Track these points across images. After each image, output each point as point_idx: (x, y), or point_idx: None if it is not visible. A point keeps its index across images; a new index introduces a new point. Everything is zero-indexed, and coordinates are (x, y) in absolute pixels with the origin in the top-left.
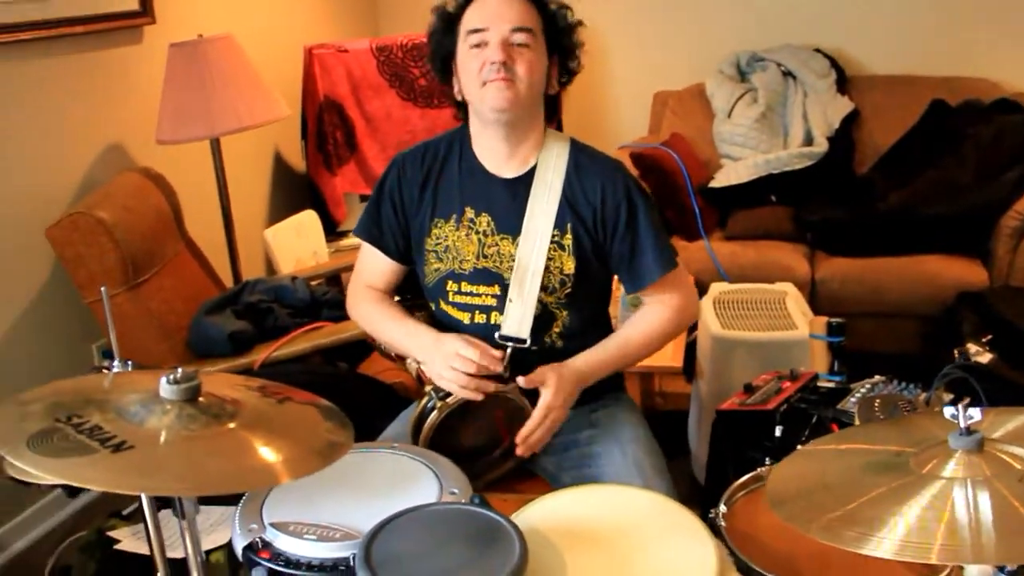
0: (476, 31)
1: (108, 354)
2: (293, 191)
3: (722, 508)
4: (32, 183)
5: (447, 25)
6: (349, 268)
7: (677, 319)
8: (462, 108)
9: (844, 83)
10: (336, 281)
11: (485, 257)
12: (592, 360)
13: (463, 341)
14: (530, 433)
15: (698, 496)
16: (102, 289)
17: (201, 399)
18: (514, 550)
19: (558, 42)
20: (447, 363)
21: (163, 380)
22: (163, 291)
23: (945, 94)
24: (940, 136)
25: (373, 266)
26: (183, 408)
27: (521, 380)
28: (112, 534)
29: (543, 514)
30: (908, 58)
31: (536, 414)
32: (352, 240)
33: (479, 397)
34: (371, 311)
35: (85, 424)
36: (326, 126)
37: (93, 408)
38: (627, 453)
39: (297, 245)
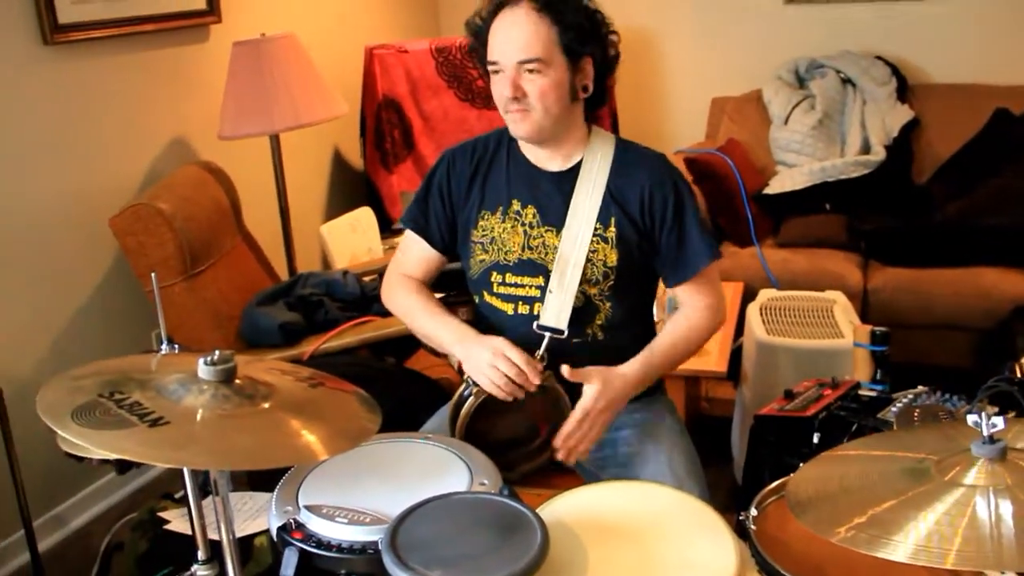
0: (492, 63)
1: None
2: (350, 188)
3: (752, 512)
4: (100, 175)
5: (479, 42)
6: None
7: (713, 318)
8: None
9: (904, 91)
10: None
11: (530, 249)
12: (641, 366)
13: (510, 344)
14: (568, 436)
15: (738, 501)
16: (152, 275)
17: (237, 381)
18: (535, 540)
19: (583, 46)
20: (490, 361)
21: (201, 361)
22: (219, 281)
23: (1009, 103)
24: (1003, 146)
25: (414, 255)
26: (219, 388)
27: (565, 369)
28: (163, 515)
29: (568, 507)
30: (971, 66)
31: (575, 415)
32: None
33: (508, 398)
34: (408, 300)
35: (126, 400)
36: (384, 125)
37: (135, 385)
38: (663, 455)
39: (352, 241)
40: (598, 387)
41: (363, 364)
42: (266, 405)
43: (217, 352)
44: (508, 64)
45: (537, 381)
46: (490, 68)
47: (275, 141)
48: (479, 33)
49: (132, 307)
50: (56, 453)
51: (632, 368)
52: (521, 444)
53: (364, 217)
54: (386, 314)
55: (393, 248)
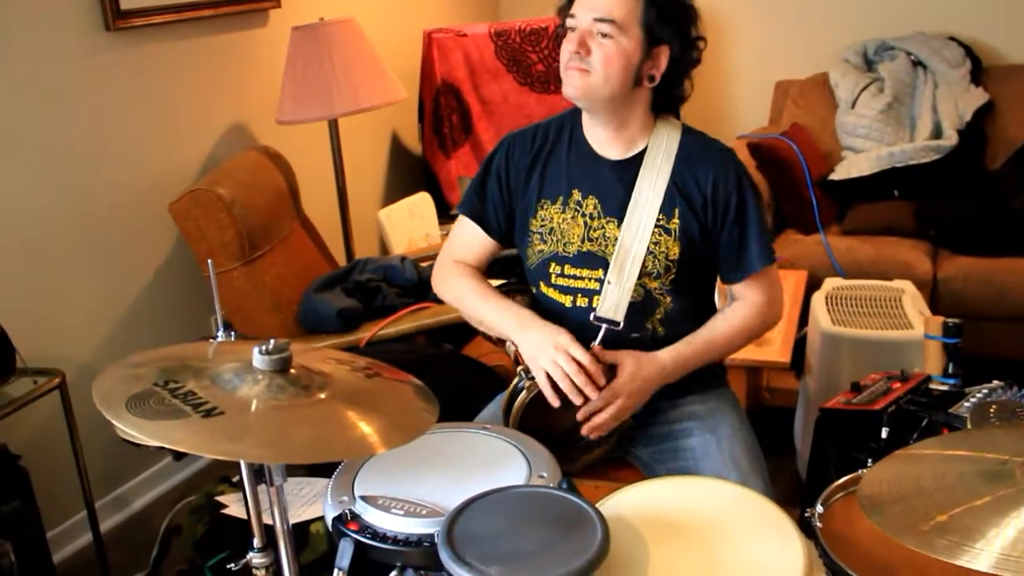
0: (569, 14)
1: (226, 326)
2: (408, 173)
3: (819, 508)
4: (160, 161)
5: (565, 4)
6: None
7: (764, 317)
8: None
9: (979, 73)
10: None
11: (590, 240)
12: (677, 354)
13: (576, 341)
14: (593, 411)
15: (801, 495)
16: (209, 262)
17: (292, 370)
18: (596, 537)
19: (662, 30)
20: (553, 355)
21: (255, 351)
22: (277, 266)
23: None
24: None
25: (468, 242)
26: (273, 378)
27: (596, 348)
28: (220, 499)
29: (630, 502)
30: None
31: (602, 394)
32: None
33: (556, 402)
34: (463, 285)
35: (180, 389)
36: (442, 109)
37: (190, 374)
38: (724, 448)
39: (410, 226)
40: (630, 369)
41: (419, 351)
42: (322, 396)
43: (272, 341)
44: (583, 19)
45: (602, 384)
46: (567, 23)
47: (333, 126)
48: None
49: (192, 291)
50: (117, 435)
51: (667, 355)
52: (578, 436)
53: (422, 202)
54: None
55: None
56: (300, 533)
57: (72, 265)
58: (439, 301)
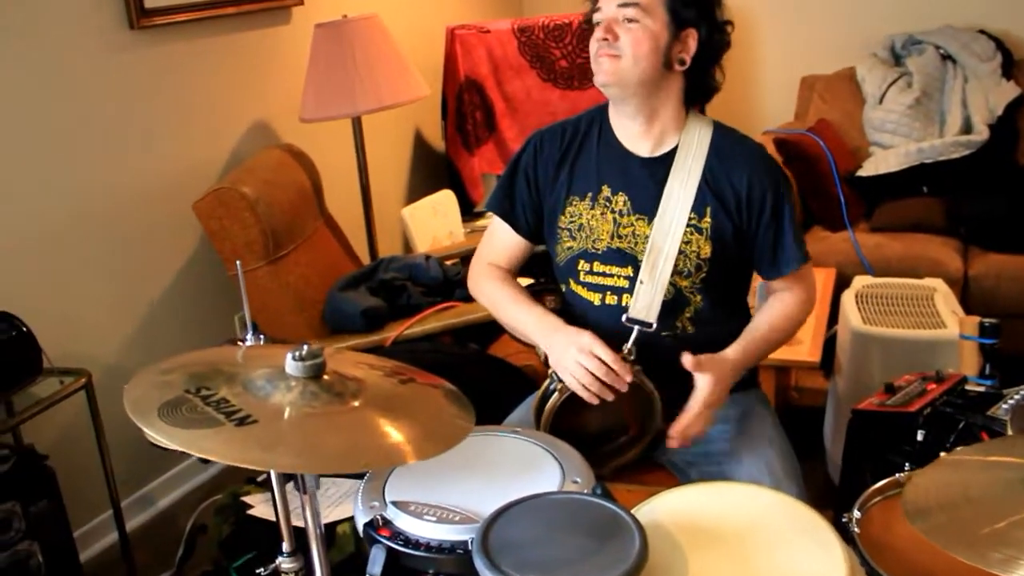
0: (595, 8)
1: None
2: (431, 170)
3: (856, 513)
4: (183, 159)
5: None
6: None
7: (803, 310)
8: None
9: (1010, 67)
10: (470, 261)
11: (620, 237)
12: (743, 350)
13: (599, 341)
14: (687, 426)
15: (831, 498)
16: (237, 264)
17: (325, 376)
18: (634, 545)
19: (687, 11)
20: (577, 357)
21: (288, 356)
22: (301, 266)
23: None
24: None
25: (499, 242)
26: (307, 385)
27: (688, 360)
28: (246, 499)
29: (666, 509)
30: None
31: (694, 405)
32: (488, 220)
33: (594, 400)
34: (494, 290)
35: (213, 396)
36: (466, 106)
37: (222, 381)
38: (759, 454)
39: (434, 224)
40: (716, 375)
41: (446, 351)
42: (355, 403)
43: (305, 347)
44: (608, 8)
45: (629, 379)
46: (594, 19)
47: (357, 123)
48: None
49: (215, 290)
50: (142, 435)
51: (734, 352)
52: (610, 439)
53: (445, 200)
54: (469, 299)
55: (475, 231)
56: (327, 534)
57: (97, 264)
58: (465, 300)
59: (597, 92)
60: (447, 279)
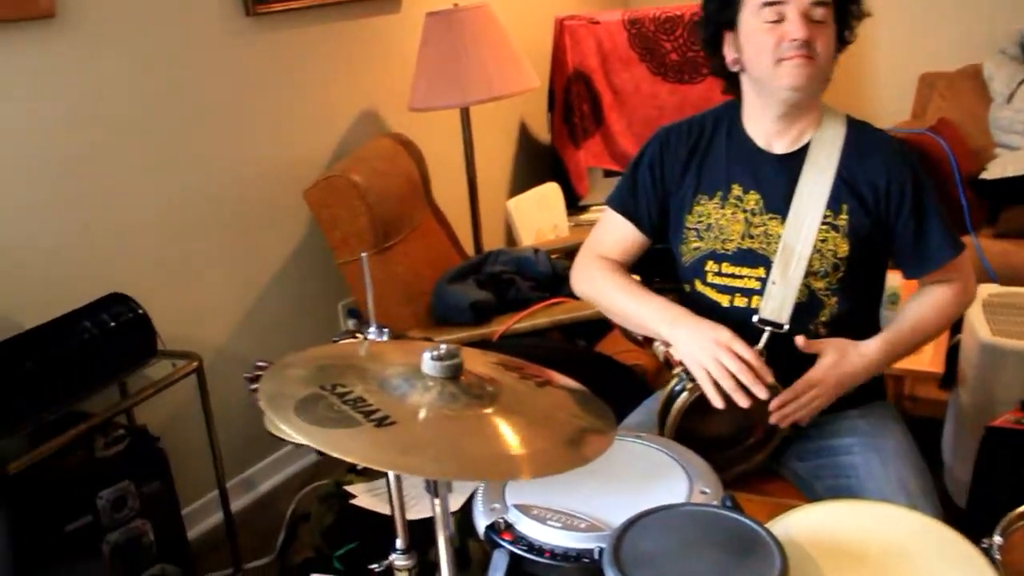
0: (772, 4)
1: (353, 313)
2: (537, 163)
3: (997, 539)
4: (293, 146)
5: None
6: None
7: (959, 303)
8: (730, 81)
9: None
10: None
11: (751, 237)
12: (885, 342)
13: (734, 334)
14: (786, 402)
15: (954, 517)
16: (363, 255)
17: (463, 378)
18: (774, 564)
19: (846, 11)
20: (715, 352)
21: (426, 356)
22: (409, 256)
23: None
24: None
25: (615, 237)
26: (445, 386)
27: (800, 340)
28: (349, 488)
29: (801, 526)
30: None
31: (798, 383)
32: (594, 215)
33: (720, 404)
34: (605, 281)
35: (349, 394)
36: (573, 98)
37: (355, 377)
38: (890, 468)
39: (538, 217)
40: (832, 358)
41: (554, 347)
42: (494, 407)
43: (444, 347)
44: (798, 4)
45: (769, 381)
46: (765, 12)
47: (465, 114)
48: None
49: (320, 278)
50: (247, 419)
51: (873, 346)
52: (734, 443)
53: (551, 193)
54: None
55: (579, 226)
56: (426, 529)
57: (209, 250)
58: (574, 296)
59: (706, 87)
60: (555, 273)
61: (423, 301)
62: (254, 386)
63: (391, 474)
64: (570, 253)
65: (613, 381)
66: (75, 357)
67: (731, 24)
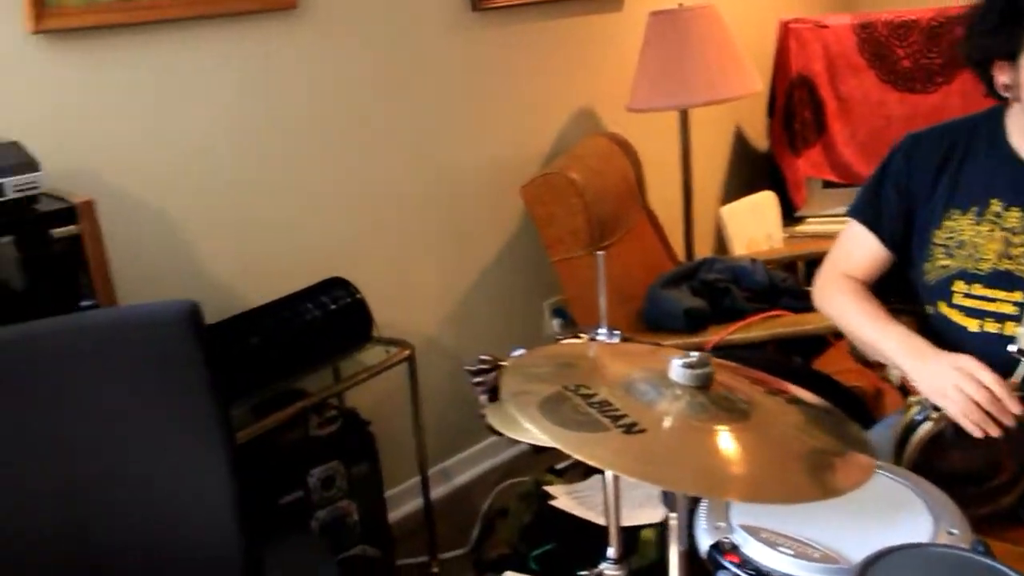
0: None
1: (559, 312)
2: (753, 170)
3: None
4: (511, 141)
5: (1011, 19)
6: (809, 256)
7: None
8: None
9: None
10: (791, 268)
11: (1009, 258)
12: None
13: (979, 362)
14: None
15: None
16: (599, 254)
17: (713, 388)
18: None
19: None
20: (956, 382)
21: (676, 363)
22: (622, 258)
23: None
24: None
25: (857, 252)
26: (695, 396)
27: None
28: (549, 489)
29: None
30: None
31: None
32: (810, 227)
33: (978, 432)
34: (846, 303)
35: (594, 397)
36: (795, 104)
37: (597, 379)
38: None
39: (751, 226)
40: None
41: (770, 361)
42: (744, 423)
43: (695, 354)
44: None
45: (1017, 411)
46: None
47: (684, 116)
48: None
49: (528, 275)
50: (450, 409)
51: None
52: (976, 481)
53: (766, 202)
54: (797, 308)
55: (794, 237)
56: (629, 538)
57: (424, 240)
58: (792, 309)
59: (940, 97)
60: (773, 285)
61: (634, 304)
62: (478, 379)
63: (608, 479)
64: (786, 265)
65: (832, 402)
66: (296, 336)
67: (1011, 56)
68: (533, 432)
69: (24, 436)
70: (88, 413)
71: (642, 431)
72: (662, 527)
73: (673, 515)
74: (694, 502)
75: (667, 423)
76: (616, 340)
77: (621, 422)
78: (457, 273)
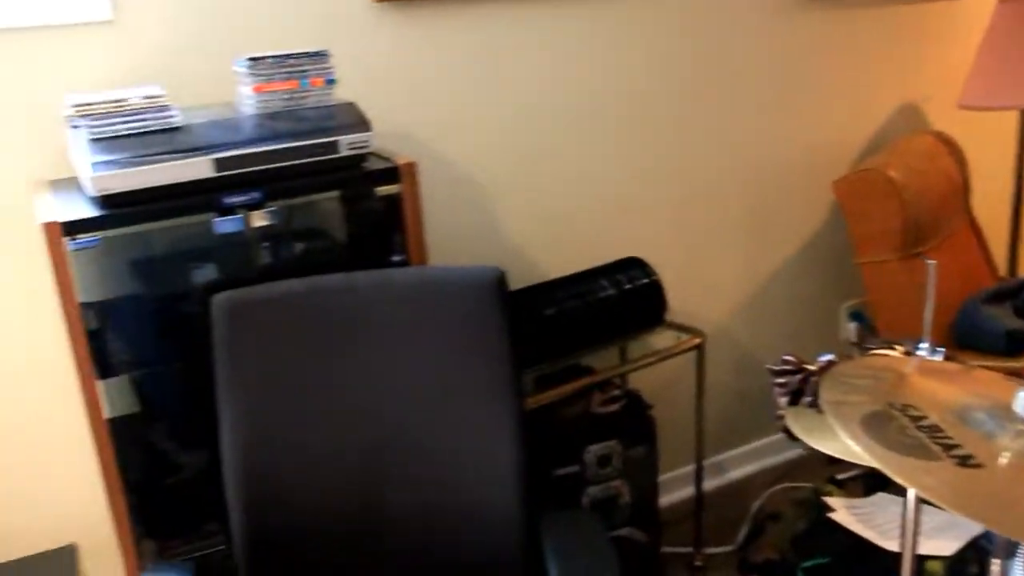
0: None
1: (857, 317)
2: None
3: None
4: (823, 133)
5: None
6: None
7: None
8: None
9: None
10: None
11: None
12: None
13: None
14: None
15: None
16: (930, 263)
17: None
18: None
19: None
20: None
21: (1022, 394)
22: (938, 266)
23: None
24: None
25: None
26: None
27: None
28: (828, 500)
29: None
30: None
31: None
32: None
33: None
34: None
35: (924, 420)
36: None
37: (927, 401)
38: None
39: None
40: None
41: None
42: None
43: None
44: None
45: None
46: None
47: (1023, 117)
48: None
49: (825, 274)
50: (733, 402)
51: None
52: None
53: None
54: None
55: None
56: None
57: (725, 230)
58: None
59: None
60: None
61: (942, 316)
62: (780, 380)
63: (911, 504)
64: None
65: None
66: (589, 312)
67: None
68: (849, 446)
69: (339, 379)
70: (395, 366)
71: (978, 465)
72: (951, 561)
73: (996, 561)
74: (1013, 546)
75: (1004, 459)
76: (939, 358)
77: (954, 452)
78: (755, 266)
